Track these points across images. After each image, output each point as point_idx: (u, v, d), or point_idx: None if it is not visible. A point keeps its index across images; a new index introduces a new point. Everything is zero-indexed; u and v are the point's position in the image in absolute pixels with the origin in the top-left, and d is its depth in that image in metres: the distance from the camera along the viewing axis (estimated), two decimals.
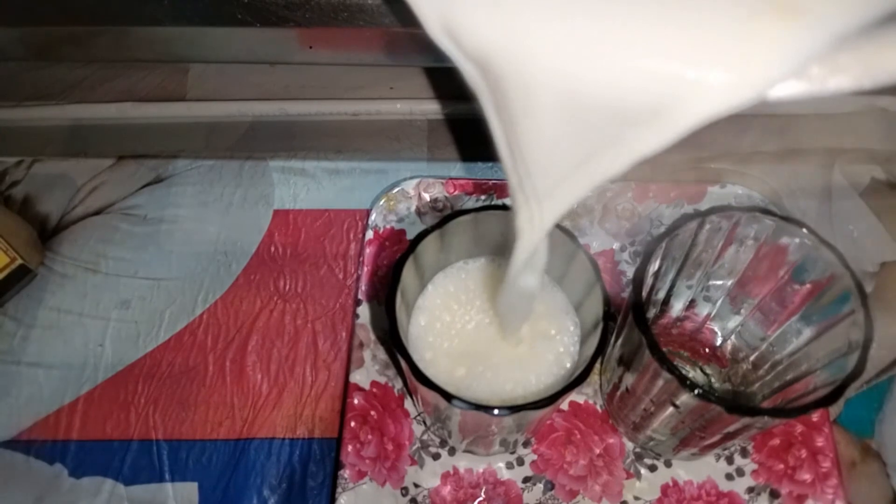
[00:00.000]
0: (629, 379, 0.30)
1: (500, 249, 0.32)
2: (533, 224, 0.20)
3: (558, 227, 0.28)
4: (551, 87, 0.16)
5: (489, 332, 0.31)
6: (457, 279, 0.32)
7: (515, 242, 0.23)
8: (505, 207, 0.29)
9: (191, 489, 0.34)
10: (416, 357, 0.27)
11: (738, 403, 0.24)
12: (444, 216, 0.29)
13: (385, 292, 0.28)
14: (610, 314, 0.27)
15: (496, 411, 0.25)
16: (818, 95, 0.15)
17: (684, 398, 0.26)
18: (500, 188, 0.39)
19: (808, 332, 0.29)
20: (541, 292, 0.31)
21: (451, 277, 0.32)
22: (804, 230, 0.27)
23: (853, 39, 0.14)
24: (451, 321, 0.31)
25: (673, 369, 0.25)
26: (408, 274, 0.28)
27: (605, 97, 0.16)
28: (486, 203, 0.39)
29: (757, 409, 0.25)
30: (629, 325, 0.27)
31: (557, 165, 0.18)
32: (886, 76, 0.15)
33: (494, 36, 0.17)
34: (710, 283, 0.33)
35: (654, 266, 0.29)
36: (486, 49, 0.17)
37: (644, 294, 0.27)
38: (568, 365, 0.30)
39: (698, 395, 0.25)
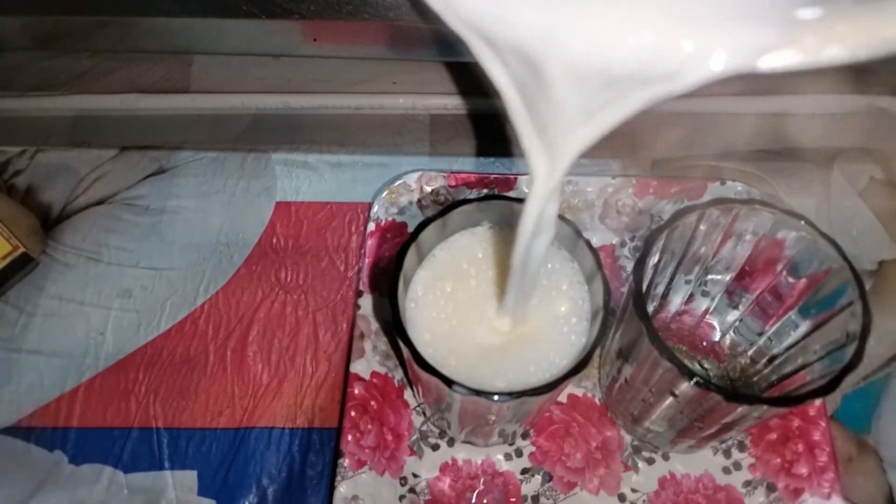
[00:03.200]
0: (628, 370, 0.30)
1: (502, 224, 0.31)
2: (549, 167, 0.20)
3: (560, 217, 0.28)
4: (554, 57, 0.16)
5: (491, 308, 0.30)
6: (456, 249, 0.31)
7: (528, 193, 0.22)
8: (507, 198, 0.30)
9: (190, 477, 0.34)
10: (414, 337, 0.27)
11: (736, 391, 0.25)
12: (445, 206, 0.29)
13: (387, 283, 0.28)
14: (610, 308, 0.27)
15: (496, 397, 0.25)
16: (813, 66, 0.14)
17: (683, 387, 0.26)
18: (502, 182, 0.40)
19: (805, 326, 0.29)
20: (554, 265, 0.30)
21: (448, 250, 0.31)
22: (802, 222, 0.28)
23: (849, 7, 0.14)
24: (447, 300, 0.30)
25: (673, 358, 0.25)
26: (409, 263, 0.29)
27: (601, 67, 0.16)
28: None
29: (755, 398, 0.25)
30: (629, 315, 0.27)
31: (571, 116, 0.18)
32: (883, 45, 0.14)
33: (494, 9, 0.17)
34: (709, 277, 0.34)
35: (653, 258, 0.29)
36: (490, 23, 0.17)
37: (644, 287, 0.27)
38: (574, 338, 0.29)
39: (697, 383, 0.25)
